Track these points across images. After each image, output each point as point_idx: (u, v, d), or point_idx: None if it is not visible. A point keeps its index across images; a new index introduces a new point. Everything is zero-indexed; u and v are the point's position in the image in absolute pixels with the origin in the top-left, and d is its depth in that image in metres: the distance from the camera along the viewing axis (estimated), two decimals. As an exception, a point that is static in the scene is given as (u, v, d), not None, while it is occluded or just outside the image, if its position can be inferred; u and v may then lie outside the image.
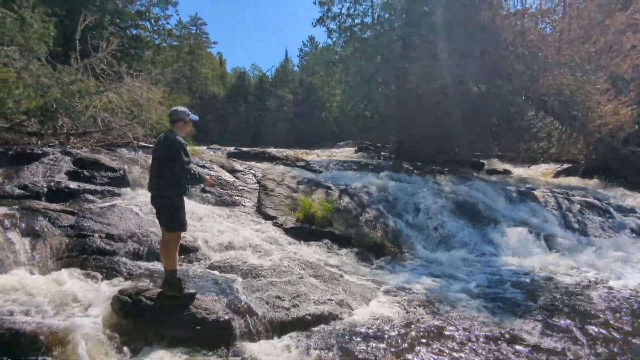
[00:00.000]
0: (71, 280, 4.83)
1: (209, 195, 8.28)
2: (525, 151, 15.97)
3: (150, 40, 22.38)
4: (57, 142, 9.72)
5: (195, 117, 4.41)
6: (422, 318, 4.88)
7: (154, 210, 4.30)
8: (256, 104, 43.91)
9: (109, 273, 5.11)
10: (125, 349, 3.80)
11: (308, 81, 43.51)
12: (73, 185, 7.25)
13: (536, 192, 10.81)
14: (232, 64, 77.73)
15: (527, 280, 6.66)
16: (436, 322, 4.80)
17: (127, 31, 21.11)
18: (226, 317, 4.08)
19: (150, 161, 5.09)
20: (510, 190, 10.93)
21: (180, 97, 20.52)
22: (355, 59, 16.38)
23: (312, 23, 16.88)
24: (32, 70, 10.28)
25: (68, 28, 18.19)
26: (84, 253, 5.42)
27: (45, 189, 6.94)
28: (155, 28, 22.43)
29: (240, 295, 4.60)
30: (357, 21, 16.53)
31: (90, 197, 7.17)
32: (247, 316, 4.26)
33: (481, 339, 4.43)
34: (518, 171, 16.34)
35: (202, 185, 4.35)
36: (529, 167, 17.11)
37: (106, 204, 6.78)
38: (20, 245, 5.18)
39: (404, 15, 15.63)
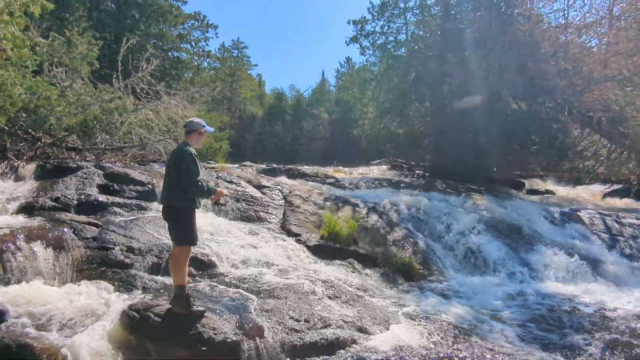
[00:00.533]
0: (87, 292, 4.82)
1: (233, 210, 8.24)
2: (570, 171, 14.97)
3: (191, 62, 23.26)
4: (93, 157, 10.07)
5: (211, 129, 4.33)
6: (449, 349, 4.44)
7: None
8: (293, 124, 44.49)
9: (125, 286, 5.07)
10: (128, 366, 3.68)
11: (344, 100, 43.71)
12: (102, 198, 7.40)
13: (581, 214, 9.99)
14: (272, 84, 79.81)
15: (571, 310, 6.02)
16: (464, 355, 4.36)
17: (169, 53, 22.08)
18: (234, 338, 3.87)
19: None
20: (552, 211, 10.17)
21: (217, 116, 21.07)
22: (388, 76, 16.19)
23: (346, 42, 16.95)
24: (76, 89, 10.86)
25: (115, 51, 19.31)
26: (103, 265, 5.43)
27: (75, 202, 7.12)
28: (195, 50, 23.33)
29: (253, 315, 4.39)
30: (390, 39, 16.45)
31: (118, 210, 7.29)
32: (258, 338, 4.03)
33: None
34: (562, 192, 15.33)
35: (213, 198, 4.20)
36: (574, 187, 16.02)
37: (131, 217, 6.85)
38: (42, 255, 5.24)
39: (439, 32, 15.34)
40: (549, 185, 16.46)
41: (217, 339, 3.80)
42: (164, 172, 4.19)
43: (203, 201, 4.36)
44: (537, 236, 8.75)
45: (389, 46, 16.30)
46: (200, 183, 3.91)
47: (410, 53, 15.70)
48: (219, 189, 4.23)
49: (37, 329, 3.99)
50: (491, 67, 12.64)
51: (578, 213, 10.26)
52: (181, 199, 3.95)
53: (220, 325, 3.94)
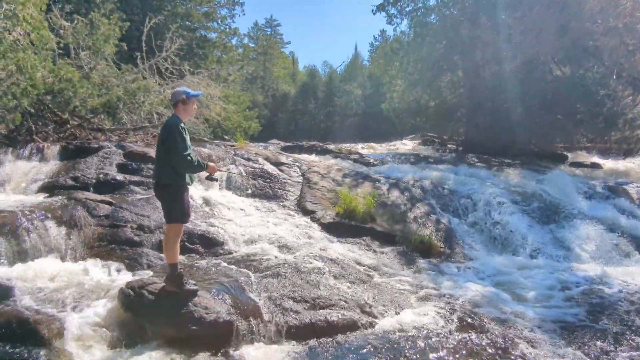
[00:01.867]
0: (94, 270, 4.86)
1: (249, 188, 8.14)
2: (620, 141, 13.67)
3: (220, 40, 23.15)
4: (117, 137, 10.25)
5: (198, 93, 4.13)
6: (464, 336, 4.07)
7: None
8: (326, 101, 43.88)
9: (131, 264, 5.09)
10: (122, 344, 3.65)
11: (376, 75, 42.49)
12: (119, 177, 7.48)
13: (628, 188, 9.10)
14: (305, 61, 79.14)
15: (608, 294, 5.47)
16: (480, 342, 4.00)
17: (197, 32, 22.05)
18: (227, 318, 3.75)
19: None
20: (594, 185, 9.33)
21: (246, 95, 20.99)
22: (417, 45, 15.32)
23: (372, 10, 16.13)
24: (99, 71, 11.02)
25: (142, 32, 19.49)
26: (113, 243, 5.48)
27: (94, 181, 7.24)
28: (222, 28, 23.17)
29: (250, 294, 4.25)
30: (419, 4, 15.44)
31: (135, 188, 7.35)
32: (252, 318, 3.89)
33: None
34: (610, 164, 14.09)
35: (206, 173, 4.03)
36: (624, 159, 14.68)
37: (145, 196, 6.88)
38: (56, 233, 5.34)
39: (473, -6, 14.22)
40: (595, 158, 15.21)
41: (208, 318, 3.69)
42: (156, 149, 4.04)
43: (196, 177, 4.21)
44: (574, 212, 8.04)
45: (417, 13, 15.34)
46: (189, 157, 3.74)
47: (441, 19, 14.70)
48: (211, 163, 4.05)
49: (41, 304, 4.04)
50: (529, 29, 11.57)
51: (624, 187, 9.37)
52: (171, 175, 3.81)
53: (212, 305, 3.82)
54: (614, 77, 11.55)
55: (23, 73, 7.77)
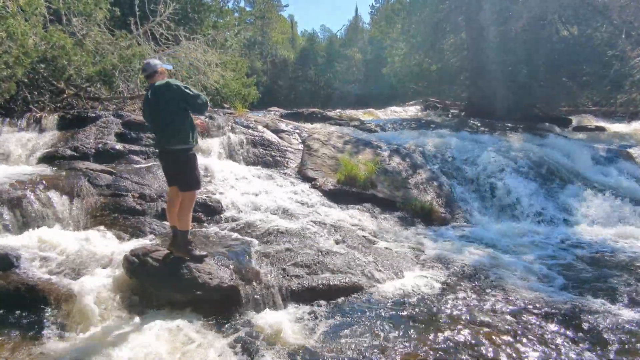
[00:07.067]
0: (98, 238, 4.91)
1: (249, 155, 8.10)
2: (626, 104, 13.42)
3: (214, 4, 22.40)
4: (114, 106, 10.10)
5: (169, 66, 4.11)
6: (463, 298, 4.15)
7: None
8: (326, 67, 42.93)
9: (134, 232, 5.13)
10: (128, 310, 3.74)
11: (377, 39, 41.29)
12: (119, 146, 7.44)
13: (632, 150, 9.03)
14: (303, 25, 76.80)
15: (605, 255, 5.53)
16: (478, 303, 4.08)
17: (191, -5, 21.25)
18: (230, 283, 3.81)
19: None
20: (597, 149, 9.25)
21: (243, 61, 20.48)
22: (419, 5, 14.78)
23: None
24: (92, 37, 10.72)
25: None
26: (115, 212, 5.51)
27: (93, 150, 7.20)
28: (217, -10, 22.31)
29: (253, 260, 4.31)
30: (422, -39, 14.77)
31: (134, 157, 7.34)
32: (255, 283, 3.95)
33: (530, 328, 3.67)
34: (615, 128, 13.93)
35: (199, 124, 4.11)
36: (629, 123, 14.48)
37: (145, 165, 6.86)
38: (58, 203, 5.37)
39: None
40: (600, 121, 15.01)
41: (212, 283, 3.75)
42: (151, 118, 3.97)
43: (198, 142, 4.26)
44: (576, 176, 8.02)
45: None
46: (204, 98, 3.77)
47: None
48: (198, 121, 4.14)
49: (47, 272, 4.12)
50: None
51: (628, 150, 9.29)
52: (184, 142, 3.80)
53: (216, 270, 3.88)
54: (623, 36, 11.18)
55: (14, 40, 7.56)
